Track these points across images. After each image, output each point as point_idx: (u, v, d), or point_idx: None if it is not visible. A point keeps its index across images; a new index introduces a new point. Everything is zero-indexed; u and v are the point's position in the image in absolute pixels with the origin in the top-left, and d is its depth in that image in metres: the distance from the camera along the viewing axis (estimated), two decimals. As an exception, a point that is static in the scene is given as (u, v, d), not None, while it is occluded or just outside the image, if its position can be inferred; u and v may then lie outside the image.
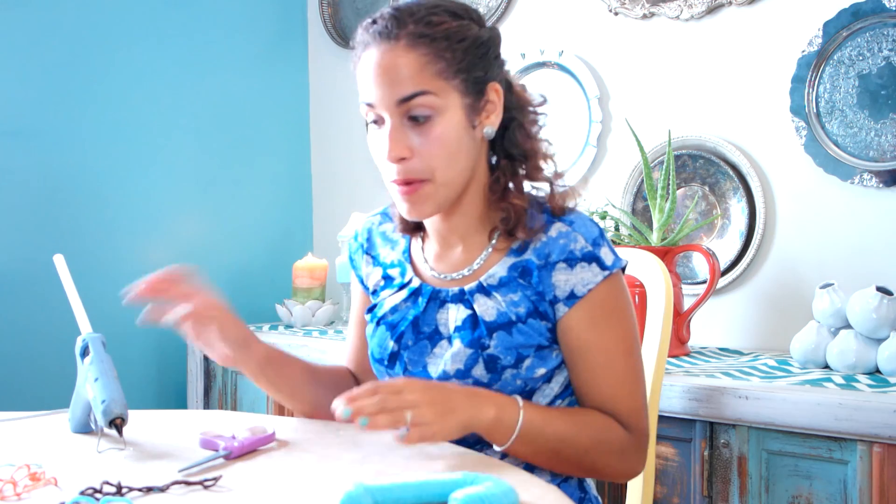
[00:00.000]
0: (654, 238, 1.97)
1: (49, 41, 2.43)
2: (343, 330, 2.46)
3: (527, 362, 1.16)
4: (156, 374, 2.65)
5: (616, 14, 2.28)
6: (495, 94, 1.17)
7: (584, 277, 1.15)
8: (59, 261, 1.20)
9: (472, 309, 1.18)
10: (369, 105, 1.15)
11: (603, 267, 1.15)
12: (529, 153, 1.21)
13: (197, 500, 0.87)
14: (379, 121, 1.15)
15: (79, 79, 2.49)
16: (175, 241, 2.69)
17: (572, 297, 1.15)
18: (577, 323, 1.16)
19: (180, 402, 2.65)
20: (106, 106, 2.54)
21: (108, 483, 0.88)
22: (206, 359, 2.54)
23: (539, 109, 1.24)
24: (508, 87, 1.21)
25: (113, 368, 1.10)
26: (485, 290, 1.19)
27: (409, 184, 1.14)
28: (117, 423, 1.04)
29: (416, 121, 1.12)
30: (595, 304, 1.15)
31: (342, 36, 2.90)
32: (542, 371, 1.17)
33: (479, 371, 1.16)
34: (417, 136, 1.12)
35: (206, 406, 2.48)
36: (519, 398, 1.14)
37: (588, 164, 2.32)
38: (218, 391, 2.49)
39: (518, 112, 1.21)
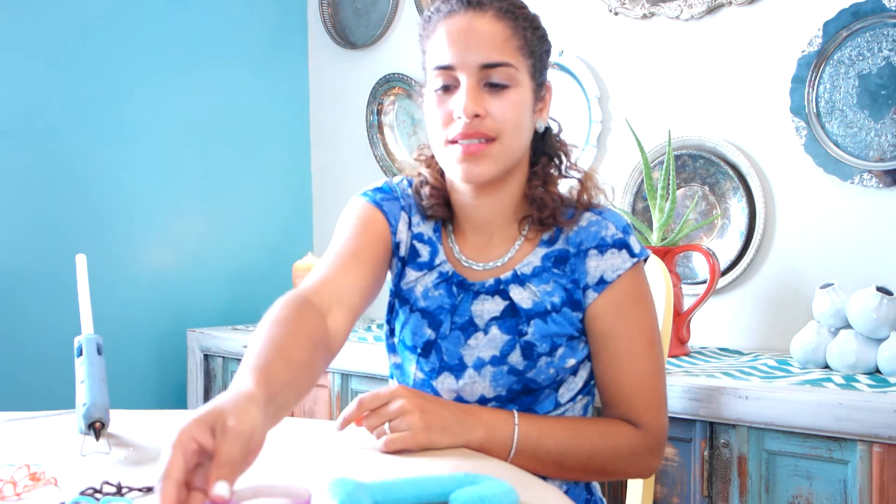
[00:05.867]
0: (654, 238, 1.97)
1: (48, 41, 2.43)
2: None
3: (560, 351, 1.18)
4: (156, 374, 2.65)
5: (616, 14, 2.28)
6: (549, 92, 1.24)
7: (613, 263, 1.18)
8: (81, 261, 1.19)
9: (510, 298, 1.19)
10: (446, 68, 1.16)
11: (632, 254, 1.19)
12: (563, 156, 1.27)
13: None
14: (451, 86, 1.16)
15: (78, 79, 2.49)
16: (175, 241, 2.70)
17: (602, 283, 1.18)
18: (604, 309, 1.18)
19: (180, 402, 2.65)
20: (105, 106, 2.54)
21: (108, 483, 0.88)
22: (206, 358, 2.54)
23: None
24: None
25: (102, 371, 1.08)
26: (519, 279, 1.20)
27: (475, 140, 1.15)
28: (96, 428, 1.02)
29: (492, 87, 1.15)
30: (622, 291, 1.18)
31: (342, 36, 2.90)
32: (572, 361, 1.19)
33: (516, 357, 1.17)
34: (492, 99, 1.15)
35: (206, 406, 2.47)
36: (516, 413, 1.14)
37: (588, 164, 2.32)
38: (218, 391, 2.49)
39: (552, 121, 1.28)
